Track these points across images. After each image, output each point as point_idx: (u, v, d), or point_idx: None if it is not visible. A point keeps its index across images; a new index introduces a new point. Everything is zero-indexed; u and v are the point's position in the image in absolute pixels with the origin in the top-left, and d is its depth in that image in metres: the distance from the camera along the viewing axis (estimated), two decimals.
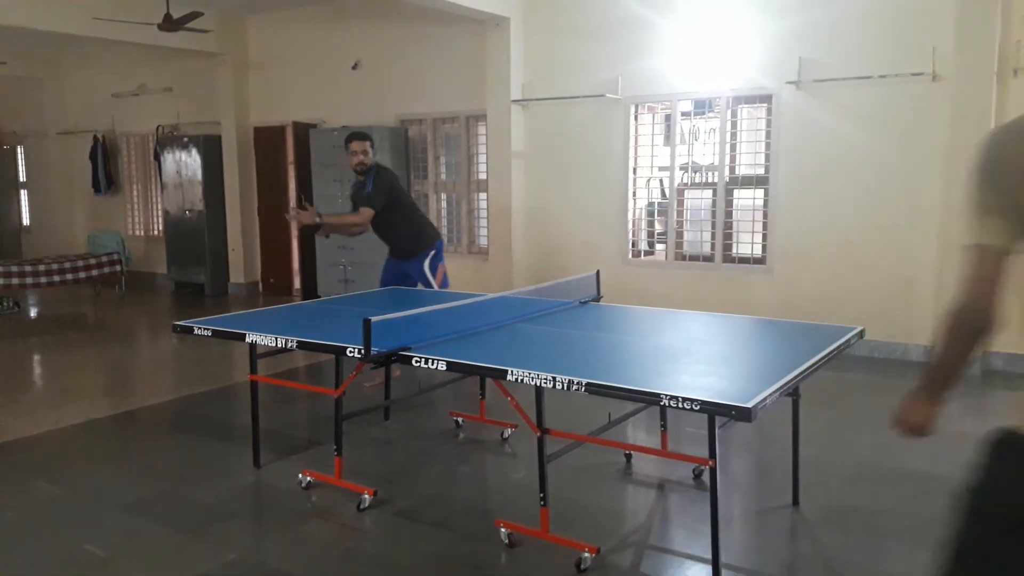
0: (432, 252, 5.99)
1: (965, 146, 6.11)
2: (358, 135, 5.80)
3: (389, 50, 9.30)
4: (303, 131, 9.68)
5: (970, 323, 1.67)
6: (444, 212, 9.40)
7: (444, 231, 9.43)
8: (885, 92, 6.53)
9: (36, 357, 7.74)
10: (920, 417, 1.87)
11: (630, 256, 7.99)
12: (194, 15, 7.87)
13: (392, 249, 6.05)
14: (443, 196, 9.37)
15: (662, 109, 7.88)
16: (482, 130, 8.78)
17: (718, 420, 2.90)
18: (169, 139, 11.17)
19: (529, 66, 8.22)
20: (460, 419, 5.09)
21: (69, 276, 9.91)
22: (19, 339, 8.51)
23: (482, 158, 8.85)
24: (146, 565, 3.34)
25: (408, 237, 5.99)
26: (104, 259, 10.35)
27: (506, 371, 3.06)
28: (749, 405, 2.57)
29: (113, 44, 9.81)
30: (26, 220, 14.12)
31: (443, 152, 9.31)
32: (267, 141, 10.51)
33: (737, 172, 7.44)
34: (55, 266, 9.77)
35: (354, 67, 9.57)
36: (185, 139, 10.92)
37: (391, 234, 5.99)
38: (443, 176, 9.32)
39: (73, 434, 5.08)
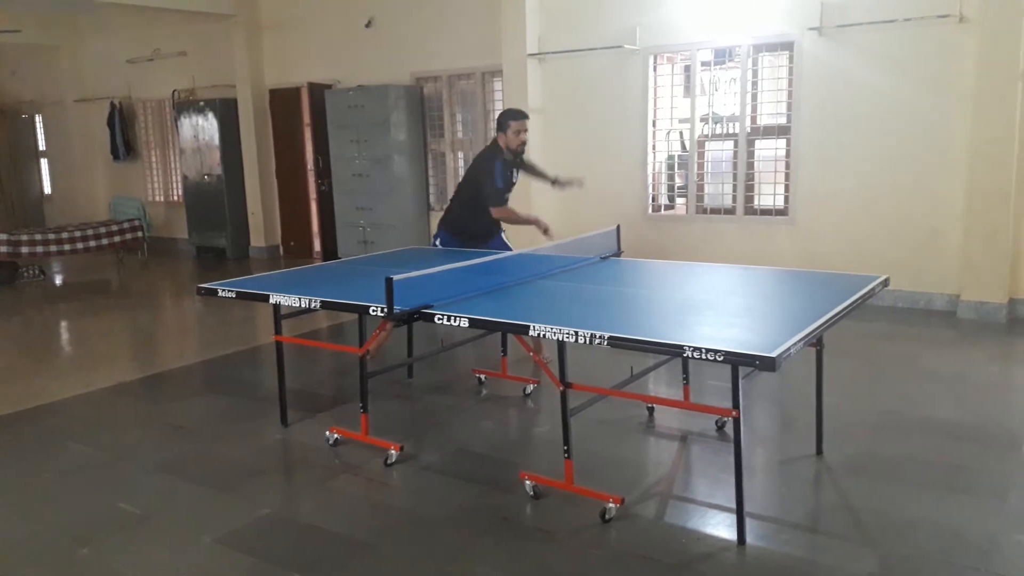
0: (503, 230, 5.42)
1: (992, 90, 5.99)
2: (520, 112, 5.15)
3: (402, 6, 9.19)
4: (318, 92, 9.64)
5: None
6: (461, 170, 9.36)
7: None
8: (910, 36, 6.38)
9: (64, 323, 7.86)
10: None
11: (650, 210, 7.93)
12: None
13: (483, 236, 5.31)
14: (460, 154, 9.32)
15: (681, 59, 7.75)
16: (498, 86, 8.70)
17: (742, 371, 2.90)
18: (185, 103, 11.17)
19: (545, 18, 8.10)
20: (483, 376, 5.12)
21: (92, 243, 10.00)
22: (46, 306, 8.64)
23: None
24: (180, 522, 3.41)
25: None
26: (126, 225, 10.43)
27: (528, 326, 3.07)
28: (773, 355, 2.56)
29: (126, 9, 9.78)
30: (47, 188, 14.23)
31: (459, 109, 9.24)
32: (283, 103, 10.48)
33: (758, 122, 7.32)
34: (78, 233, 9.87)
35: (367, 25, 9.47)
36: (201, 103, 10.92)
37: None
38: (459, 134, 9.27)
39: (104, 397, 5.18)
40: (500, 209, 5.15)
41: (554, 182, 5.45)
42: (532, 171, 5.50)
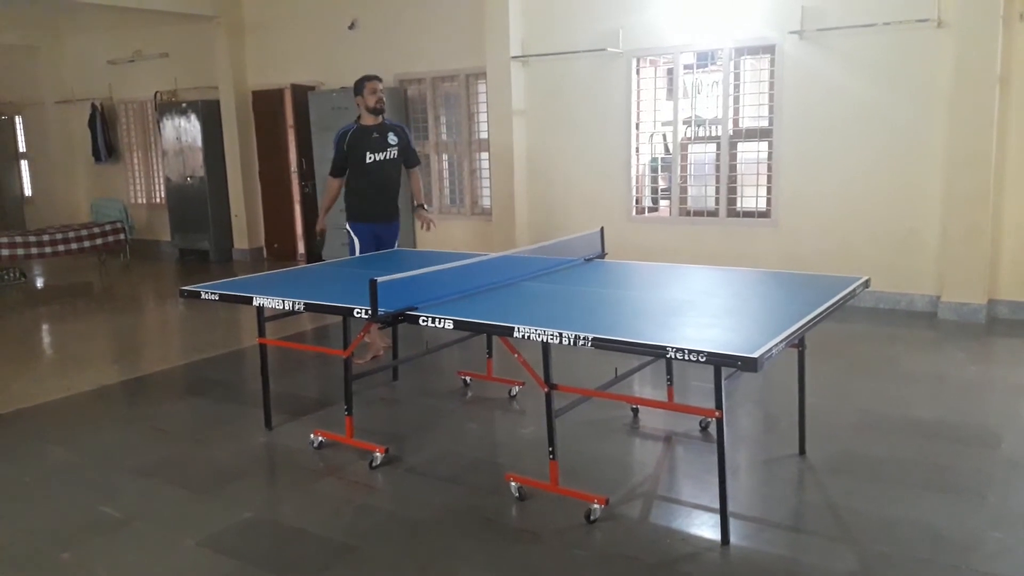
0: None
1: (969, 94, 6.07)
2: (372, 75, 5.60)
3: (386, 8, 9.17)
4: (301, 93, 9.61)
5: None
6: (446, 172, 9.36)
7: (446, 192, 9.42)
8: (889, 40, 6.44)
9: (45, 326, 7.79)
10: None
11: (634, 213, 7.96)
12: None
13: (383, 210, 5.64)
14: (444, 156, 9.32)
15: (664, 62, 7.79)
16: (482, 88, 8.70)
17: (724, 371, 2.93)
18: (168, 105, 11.10)
19: (528, 21, 8.12)
20: (468, 378, 5.12)
21: (74, 245, 9.91)
22: (27, 309, 8.56)
23: (483, 117, 8.78)
24: (162, 525, 3.39)
25: (396, 195, 5.74)
26: (108, 228, 10.34)
27: (513, 328, 3.07)
28: (755, 355, 2.58)
29: (107, 9, 9.69)
30: (28, 190, 14.08)
31: (443, 111, 9.24)
32: (266, 105, 10.43)
33: (741, 125, 7.37)
34: (59, 236, 9.78)
35: (351, 27, 9.45)
36: (184, 105, 10.85)
37: (398, 191, 5.73)
38: (443, 136, 9.26)
39: (85, 400, 5.13)
40: (331, 180, 5.69)
41: (417, 205, 5.83)
42: (413, 176, 5.83)
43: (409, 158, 5.74)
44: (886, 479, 3.59)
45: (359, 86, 5.52)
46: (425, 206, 5.82)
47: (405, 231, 9.19)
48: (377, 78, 5.58)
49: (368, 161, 5.49)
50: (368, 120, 5.53)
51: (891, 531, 3.12)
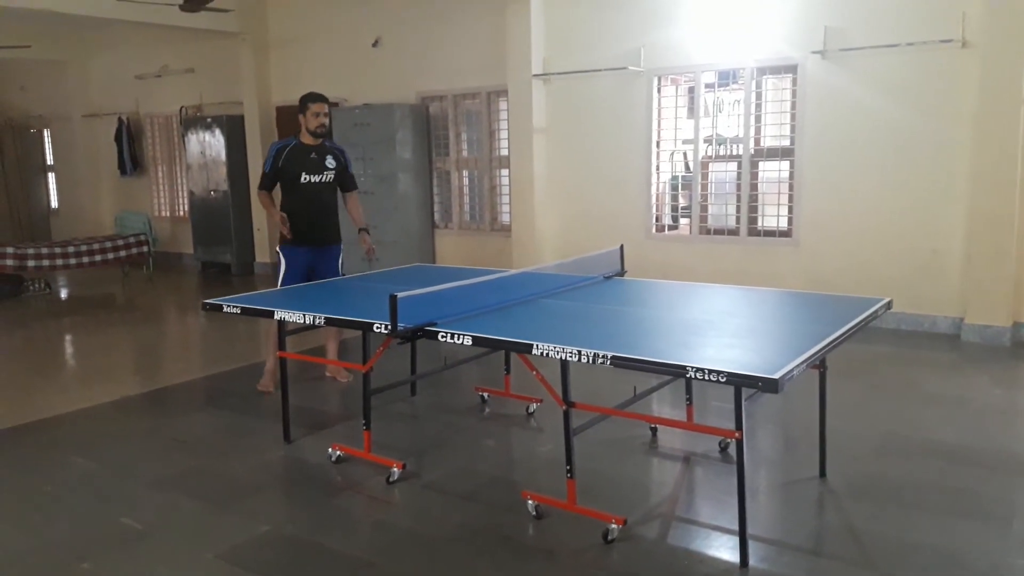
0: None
1: (994, 114, 6.02)
2: (319, 96, 5.34)
3: (409, 27, 9.27)
4: None
5: None
6: (466, 189, 9.41)
7: (466, 208, 9.46)
8: (913, 60, 6.42)
9: (68, 337, 7.87)
10: None
11: (654, 230, 7.95)
12: None
13: (318, 234, 5.41)
14: (464, 173, 9.37)
15: (685, 81, 7.80)
16: (503, 106, 8.75)
17: (745, 392, 2.91)
18: (192, 120, 11.25)
19: (550, 39, 8.16)
20: (485, 394, 5.12)
21: (98, 257, 10.03)
22: (51, 320, 8.67)
23: (504, 134, 8.83)
24: (181, 537, 3.41)
25: (333, 218, 5.54)
26: (132, 240, 10.46)
27: (531, 345, 3.08)
28: (776, 376, 2.56)
29: (135, 26, 9.88)
30: (54, 203, 14.30)
31: (464, 128, 9.29)
32: (289, 120, 10.51)
33: (762, 144, 7.36)
34: (84, 248, 9.90)
35: (374, 44, 9.55)
36: (208, 119, 10.99)
37: (335, 215, 5.54)
38: (464, 153, 9.31)
39: (107, 411, 5.18)
40: (260, 193, 5.41)
41: (360, 230, 5.54)
42: (351, 200, 5.63)
43: (346, 182, 5.55)
44: (908, 503, 3.54)
45: (303, 105, 5.34)
46: (368, 231, 5.58)
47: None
48: (323, 99, 5.33)
49: (302, 181, 5.31)
50: (307, 140, 5.35)
51: (912, 556, 3.08)
